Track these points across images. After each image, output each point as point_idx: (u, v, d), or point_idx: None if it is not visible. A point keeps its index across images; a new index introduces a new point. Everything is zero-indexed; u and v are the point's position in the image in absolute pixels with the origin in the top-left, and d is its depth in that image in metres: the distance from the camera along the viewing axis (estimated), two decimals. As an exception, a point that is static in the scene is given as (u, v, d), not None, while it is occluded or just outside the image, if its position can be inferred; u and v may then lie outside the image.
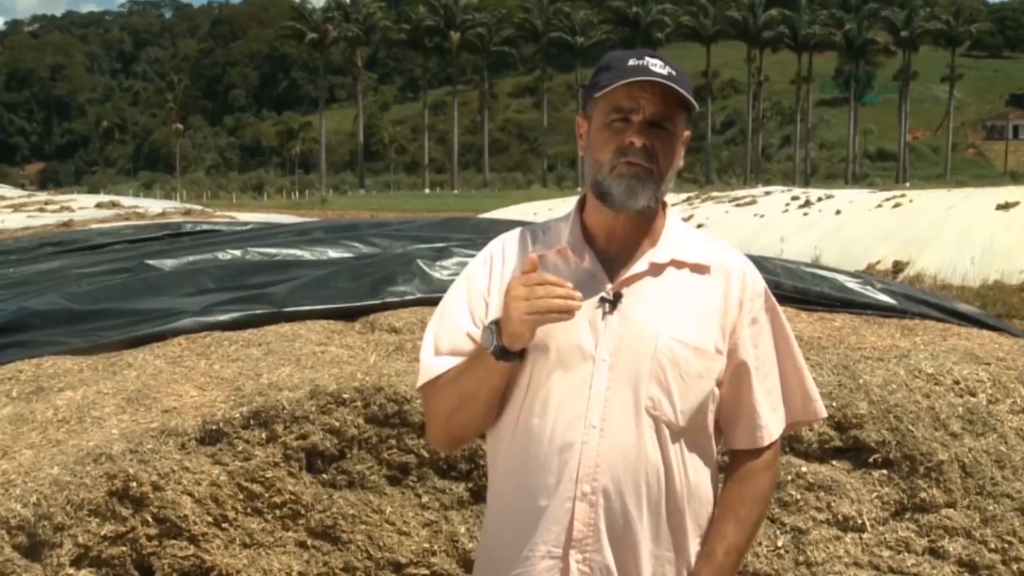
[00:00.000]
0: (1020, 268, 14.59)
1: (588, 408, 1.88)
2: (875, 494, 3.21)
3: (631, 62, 1.88)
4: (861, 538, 3.15)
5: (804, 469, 3.20)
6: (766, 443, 2.00)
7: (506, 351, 1.85)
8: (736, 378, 1.97)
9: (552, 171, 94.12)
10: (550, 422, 1.89)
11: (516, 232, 2.04)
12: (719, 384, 1.95)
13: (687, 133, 1.96)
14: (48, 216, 11.67)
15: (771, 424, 2.00)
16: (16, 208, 13.08)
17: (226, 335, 3.88)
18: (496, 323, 1.86)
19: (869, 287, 4.44)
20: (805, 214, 20.95)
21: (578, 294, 1.81)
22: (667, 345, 1.89)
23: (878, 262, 16.54)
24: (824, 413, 2.15)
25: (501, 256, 2.01)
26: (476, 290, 2.00)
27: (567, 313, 1.80)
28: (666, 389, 1.89)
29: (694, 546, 1.95)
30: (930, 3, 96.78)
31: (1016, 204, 16.94)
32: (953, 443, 3.27)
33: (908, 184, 61.55)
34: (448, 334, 1.99)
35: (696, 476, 1.94)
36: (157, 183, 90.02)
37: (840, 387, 3.31)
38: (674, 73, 1.87)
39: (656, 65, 1.87)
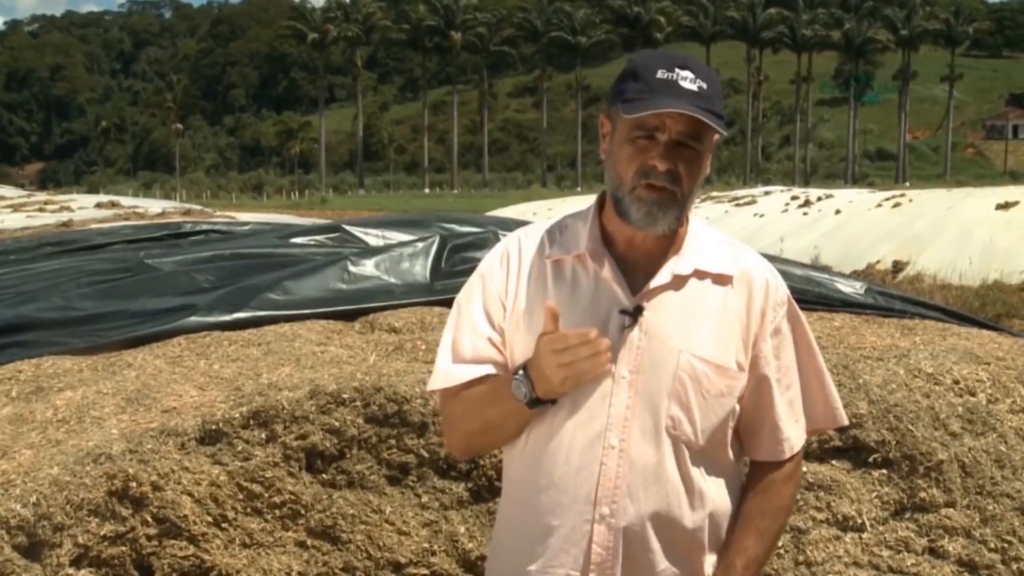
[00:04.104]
0: (1020, 268, 14.60)
1: (607, 427, 1.83)
2: (875, 494, 3.21)
3: (660, 74, 1.77)
4: (861, 538, 3.15)
5: (804, 469, 3.20)
6: (788, 455, 1.95)
7: (540, 400, 1.81)
8: (757, 390, 1.91)
9: (552, 171, 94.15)
10: (567, 440, 1.84)
11: (532, 230, 1.97)
12: (740, 398, 1.90)
13: (716, 137, 1.84)
14: (48, 216, 11.67)
15: (793, 436, 1.95)
16: (16, 208, 13.08)
17: (226, 335, 3.88)
18: (524, 371, 1.80)
19: (870, 297, 4.48)
20: (805, 214, 20.95)
21: (606, 343, 1.74)
22: (689, 362, 1.83)
23: (878, 262, 16.55)
24: (846, 420, 2.09)
25: (517, 255, 1.93)
26: (493, 290, 1.93)
27: (603, 368, 1.76)
28: (687, 408, 1.84)
29: (711, 560, 1.91)
30: (929, 2, 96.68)
31: (1016, 204, 16.94)
32: (953, 443, 3.27)
33: (908, 184, 61.52)
34: (467, 338, 1.92)
35: (716, 493, 1.90)
36: (157, 183, 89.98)
37: (840, 387, 3.30)
38: (704, 86, 1.77)
39: (686, 80, 1.77)
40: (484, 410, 1.88)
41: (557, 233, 1.94)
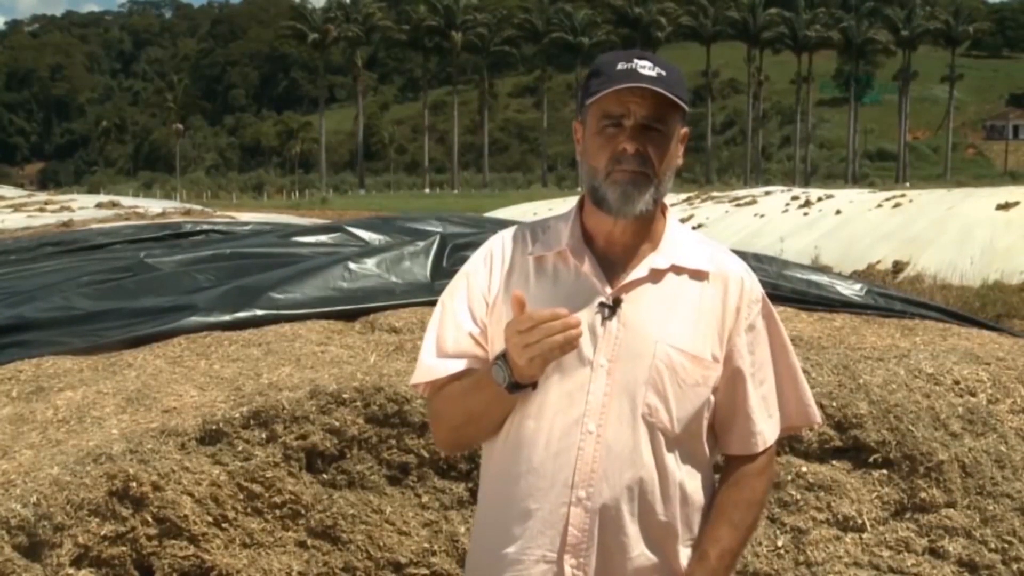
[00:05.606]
0: (1020, 268, 14.60)
1: (585, 413, 1.88)
2: (875, 494, 3.21)
3: (620, 66, 1.86)
4: (861, 538, 3.15)
5: (804, 469, 3.20)
6: (760, 449, 2.00)
7: (519, 385, 1.84)
8: (731, 384, 1.97)
9: (552, 171, 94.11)
10: (546, 426, 1.90)
11: (515, 229, 2.03)
12: (715, 391, 1.95)
13: (684, 130, 1.94)
14: (48, 216, 11.68)
15: (766, 430, 2.00)
16: (16, 208, 13.09)
17: (226, 335, 3.88)
18: (504, 357, 1.84)
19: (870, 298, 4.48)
20: (805, 214, 20.94)
21: (576, 319, 1.78)
22: (665, 352, 1.89)
23: (878, 262, 16.55)
24: (819, 419, 2.16)
25: (501, 254, 1.99)
26: (477, 287, 1.99)
27: (571, 345, 1.78)
28: (663, 396, 1.89)
29: (684, 550, 1.95)
30: (929, 2, 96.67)
31: (1016, 204, 16.94)
32: (953, 443, 3.28)
33: (908, 184, 61.50)
34: (450, 334, 1.98)
35: (690, 482, 1.94)
36: (157, 183, 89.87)
37: (840, 387, 3.31)
38: (664, 73, 1.85)
39: (645, 68, 1.85)
40: (467, 399, 1.93)
41: (540, 232, 2.01)
